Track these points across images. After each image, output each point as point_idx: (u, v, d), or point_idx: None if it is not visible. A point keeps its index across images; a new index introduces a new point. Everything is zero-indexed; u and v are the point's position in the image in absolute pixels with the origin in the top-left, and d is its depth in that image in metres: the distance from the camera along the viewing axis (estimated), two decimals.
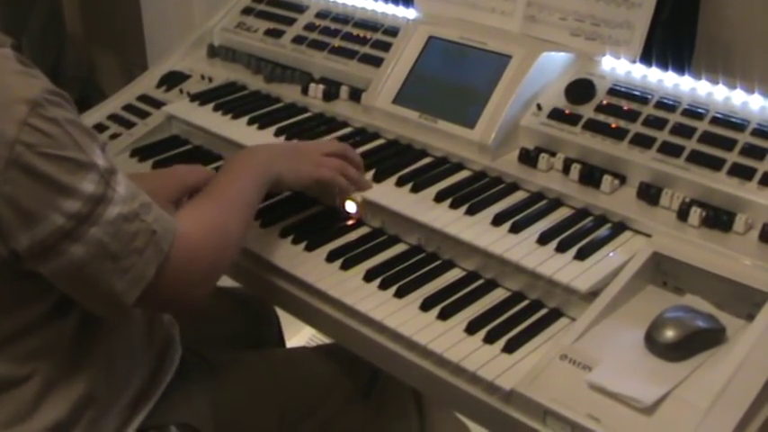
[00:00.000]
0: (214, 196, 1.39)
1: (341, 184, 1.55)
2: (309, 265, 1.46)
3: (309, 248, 1.50)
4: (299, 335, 2.51)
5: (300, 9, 2.07)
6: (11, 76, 1.12)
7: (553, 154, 1.55)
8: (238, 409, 1.48)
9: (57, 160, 1.11)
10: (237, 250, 1.40)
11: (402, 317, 1.33)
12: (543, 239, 1.39)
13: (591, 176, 1.49)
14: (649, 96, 1.53)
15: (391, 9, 1.93)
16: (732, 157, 1.39)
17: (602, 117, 1.54)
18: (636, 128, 1.49)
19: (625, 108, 1.53)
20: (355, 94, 1.82)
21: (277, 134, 1.76)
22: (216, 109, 1.88)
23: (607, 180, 1.47)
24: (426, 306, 1.35)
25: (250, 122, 1.81)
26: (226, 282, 1.61)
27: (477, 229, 1.43)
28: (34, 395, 1.25)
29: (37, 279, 1.18)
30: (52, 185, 1.11)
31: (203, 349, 1.54)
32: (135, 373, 1.38)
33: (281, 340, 1.95)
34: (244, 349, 1.75)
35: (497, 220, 1.44)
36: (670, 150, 1.44)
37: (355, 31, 1.94)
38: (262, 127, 1.79)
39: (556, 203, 1.49)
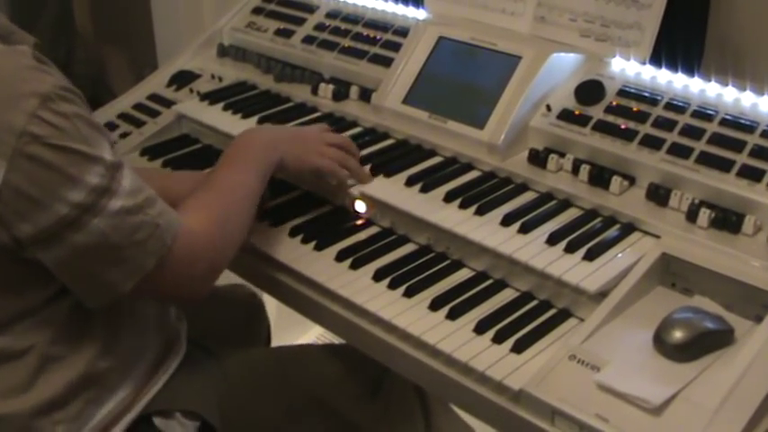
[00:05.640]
0: (216, 189, 1.41)
1: (341, 176, 1.57)
2: (319, 265, 1.47)
3: (319, 248, 1.50)
4: (307, 333, 2.52)
5: (310, 9, 2.07)
6: (25, 71, 1.16)
7: (562, 155, 1.55)
8: (244, 402, 1.49)
9: (63, 151, 1.14)
10: (240, 243, 1.41)
11: (411, 316, 1.33)
12: (552, 240, 1.39)
13: (600, 177, 1.49)
14: (659, 98, 1.53)
15: (401, 9, 1.93)
16: (741, 159, 1.39)
17: (611, 118, 1.54)
18: (645, 129, 1.49)
19: (634, 109, 1.53)
20: (365, 94, 1.82)
21: None
22: (226, 108, 1.88)
23: (616, 181, 1.47)
24: (435, 306, 1.35)
25: (260, 122, 1.81)
26: (224, 279, 1.61)
27: (486, 230, 1.43)
28: (32, 369, 1.27)
29: (39, 266, 1.20)
30: (58, 175, 1.14)
31: (210, 344, 1.55)
32: (139, 358, 1.39)
33: (268, 340, 1.96)
34: (244, 346, 1.76)
35: (507, 221, 1.44)
36: (679, 152, 1.44)
37: (365, 32, 1.94)
38: None
39: (565, 204, 1.49)
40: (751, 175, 1.37)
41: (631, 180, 1.48)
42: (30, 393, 1.27)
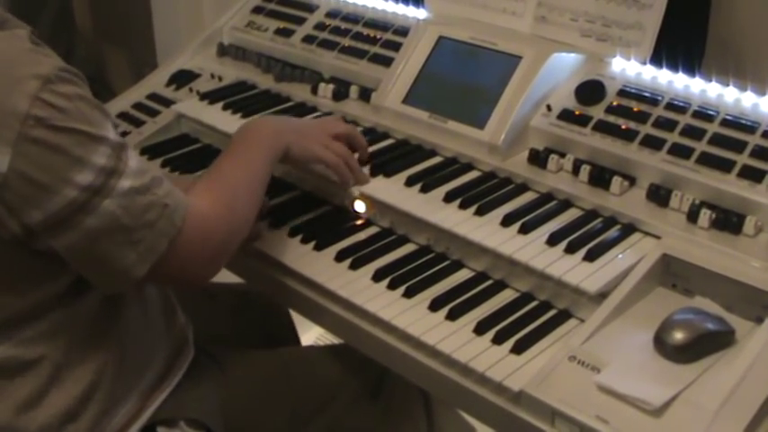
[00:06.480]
0: (222, 172, 1.40)
1: (344, 173, 1.55)
2: (318, 265, 1.46)
3: (318, 248, 1.50)
4: (307, 334, 2.51)
5: (310, 8, 2.07)
6: (24, 54, 1.15)
7: (563, 155, 1.55)
8: (248, 407, 1.48)
9: (68, 133, 1.13)
10: (248, 230, 1.40)
11: (410, 317, 1.33)
12: (553, 240, 1.38)
13: (600, 178, 1.49)
14: (659, 98, 1.52)
15: (401, 9, 1.93)
16: (742, 159, 1.39)
17: (611, 118, 1.53)
18: (646, 129, 1.49)
19: (635, 109, 1.53)
20: (365, 94, 1.82)
21: None
22: (225, 108, 1.88)
23: (617, 181, 1.47)
24: (435, 306, 1.35)
25: None
26: (234, 278, 1.62)
27: (486, 230, 1.43)
28: (44, 380, 1.26)
29: (50, 258, 1.19)
30: (64, 157, 1.13)
31: (214, 349, 1.55)
32: (147, 367, 1.39)
33: (294, 337, 1.95)
34: (254, 348, 1.75)
35: (507, 221, 1.44)
36: (680, 152, 1.44)
37: (365, 31, 1.94)
38: None
39: (565, 204, 1.49)
40: (752, 175, 1.37)
41: (632, 180, 1.48)
42: (42, 405, 1.26)
